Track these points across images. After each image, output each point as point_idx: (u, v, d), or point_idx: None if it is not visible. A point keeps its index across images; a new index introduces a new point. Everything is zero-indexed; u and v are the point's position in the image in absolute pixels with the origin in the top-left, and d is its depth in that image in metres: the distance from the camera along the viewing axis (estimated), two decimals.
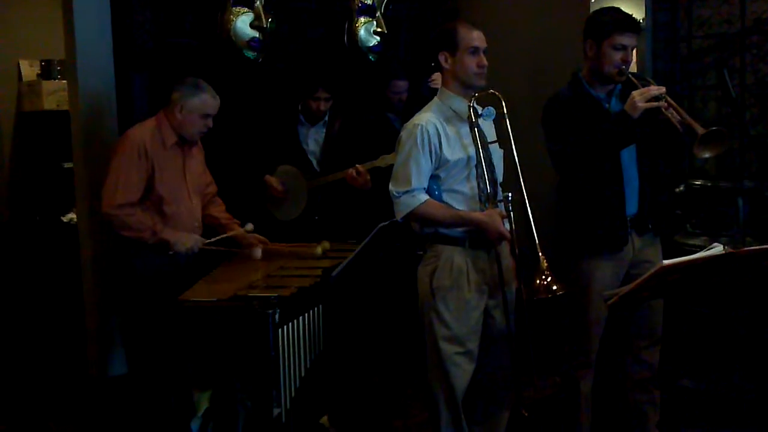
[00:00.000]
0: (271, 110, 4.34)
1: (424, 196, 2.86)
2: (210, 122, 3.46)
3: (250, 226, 3.63)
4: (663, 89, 2.87)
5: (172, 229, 3.38)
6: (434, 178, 2.90)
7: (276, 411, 2.95)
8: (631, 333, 3.21)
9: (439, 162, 2.88)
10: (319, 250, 3.51)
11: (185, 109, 3.39)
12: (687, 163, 4.17)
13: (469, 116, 2.87)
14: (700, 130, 2.75)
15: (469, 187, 2.90)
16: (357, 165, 3.91)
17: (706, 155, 2.79)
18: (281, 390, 2.94)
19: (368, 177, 3.89)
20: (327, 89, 4.13)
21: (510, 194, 2.82)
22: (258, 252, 3.56)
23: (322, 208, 4.20)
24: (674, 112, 2.83)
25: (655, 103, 2.83)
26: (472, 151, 2.88)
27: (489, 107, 2.89)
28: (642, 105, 2.82)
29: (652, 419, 3.26)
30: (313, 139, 4.27)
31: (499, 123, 2.94)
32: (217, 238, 3.55)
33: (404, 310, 3.52)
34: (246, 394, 3.07)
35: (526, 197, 2.78)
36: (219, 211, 3.75)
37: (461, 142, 2.90)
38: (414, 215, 2.88)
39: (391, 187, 2.90)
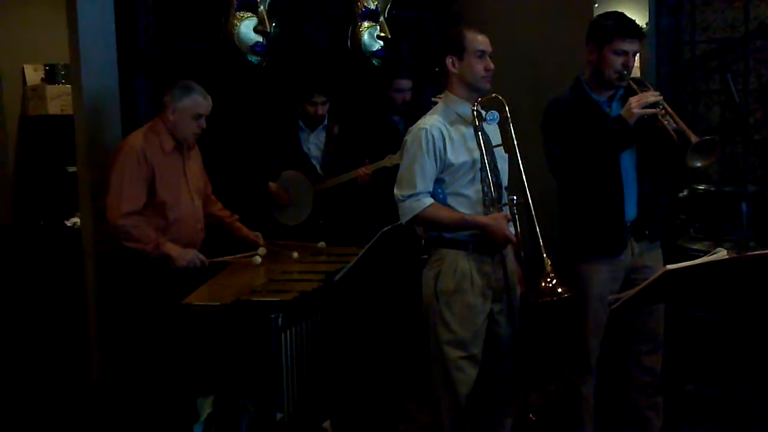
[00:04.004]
0: (274, 115, 4.34)
1: (429, 200, 2.86)
2: (203, 123, 3.45)
3: (262, 251, 3.68)
4: (660, 96, 2.88)
5: (174, 243, 3.37)
6: (439, 181, 2.90)
7: (279, 415, 2.95)
8: (632, 338, 3.20)
9: (444, 165, 2.87)
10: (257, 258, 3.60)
11: (177, 111, 3.39)
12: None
13: (473, 120, 2.87)
14: (694, 139, 2.75)
15: (474, 190, 2.89)
16: (366, 166, 4.06)
17: (698, 164, 2.79)
18: (284, 394, 2.94)
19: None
20: (323, 93, 4.14)
21: (515, 197, 2.82)
22: (258, 258, 3.59)
23: (327, 212, 4.20)
24: (670, 119, 2.84)
25: (652, 110, 2.85)
26: (476, 154, 2.87)
27: (493, 111, 2.89)
28: (638, 111, 2.85)
29: (655, 424, 3.25)
30: (314, 144, 4.28)
31: (502, 127, 2.94)
32: (221, 259, 3.57)
33: (408, 314, 3.52)
34: (249, 398, 3.07)
35: (530, 200, 2.78)
36: (218, 209, 3.79)
37: (466, 145, 2.89)
38: (419, 219, 2.87)
39: (396, 191, 2.90)
